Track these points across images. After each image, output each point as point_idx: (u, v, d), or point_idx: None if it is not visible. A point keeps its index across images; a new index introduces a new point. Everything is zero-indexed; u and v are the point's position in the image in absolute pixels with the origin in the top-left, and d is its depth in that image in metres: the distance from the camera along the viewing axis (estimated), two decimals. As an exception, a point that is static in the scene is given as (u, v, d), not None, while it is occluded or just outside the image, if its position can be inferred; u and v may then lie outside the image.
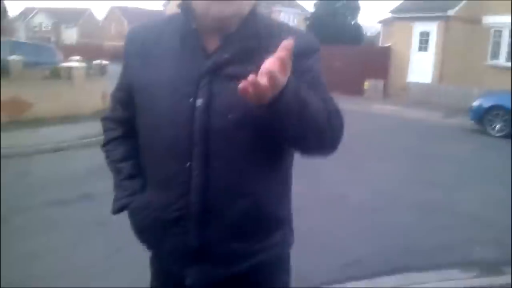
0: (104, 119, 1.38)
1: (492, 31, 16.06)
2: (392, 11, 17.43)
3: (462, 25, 15.87)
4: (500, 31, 15.89)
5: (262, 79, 0.87)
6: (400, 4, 17.65)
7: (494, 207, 5.22)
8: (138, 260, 3.46)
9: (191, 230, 1.15)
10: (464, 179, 6.43)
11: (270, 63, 0.88)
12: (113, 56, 32.42)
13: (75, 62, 11.14)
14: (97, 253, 3.65)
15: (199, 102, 1.10)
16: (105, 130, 1.37)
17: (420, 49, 16.32)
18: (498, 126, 10.00)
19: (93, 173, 5.86)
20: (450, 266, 3.68)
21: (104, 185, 5.60)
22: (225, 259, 1.18)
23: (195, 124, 1.10)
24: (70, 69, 10.13)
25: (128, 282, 3.12)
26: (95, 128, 8.38)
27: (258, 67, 0.91)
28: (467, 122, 10.84)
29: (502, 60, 15.81)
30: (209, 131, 1.10)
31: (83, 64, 10.94)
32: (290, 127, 1.01)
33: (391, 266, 3.55)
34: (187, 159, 1.11)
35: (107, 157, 1.33)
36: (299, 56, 1.06)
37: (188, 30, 1.15)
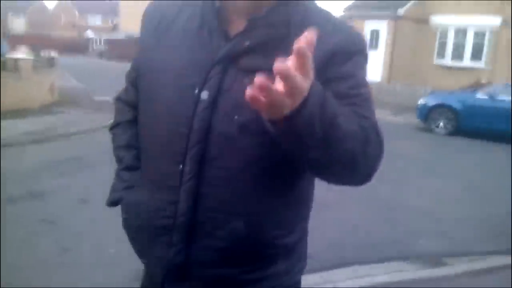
0: (117, 100, 1.24)
1: (438, 30, 16.73)
2: (345, 9, 17.82)
3: (411, 24, 16.44)
4: (446, 31, 16.56)
5: (277, 84, 0.64)
6: (352, 3, 18.07)
7: (439, 201, 5.48)
8: (86, 260, 3.46)
9: (176, 244, 0.99)
10: (410, 175, 6.70)
11: (286, 62, 0.64)
12: (62, 47, 31.34)
13: (22, 54, 10.71)
14: (45, 252, 3.56)
15: (204, 95, 0.93)
16: (116, 112, 1.24)
17: (371, 47, 16.79)
18: (441, 124, 10.47)
19: (42, 170, 5.69)
20: (397, 259, 3.85)
21: (52, 182, 5.48)
22: (210, 283, 1.02)
23: (195, 121, 0.93)
24: (16, 60, 9.72)
25: (75, 281, 3.08)
26: (43, 123, 8.14)
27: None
28: (414, 120, 11.28)
29: (447, 60, 16.52)
30: (209, 132, 0.93)
31: (31, 56, 10.54)
32: (311, 152, 0.78)
33: (341, 260, 3.68)
34: (180, 161, 0.95)
35: (113, 141, 1.20)
36: (336, 56, 0.91)
37: (209, 8, 0.97)
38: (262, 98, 0.64)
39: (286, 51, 0.79)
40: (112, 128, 1.22)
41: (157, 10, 1.07)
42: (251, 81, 0.81)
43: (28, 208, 4.48)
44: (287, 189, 0.99)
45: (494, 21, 15.21)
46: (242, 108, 0.89)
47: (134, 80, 1.13)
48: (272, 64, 0.77)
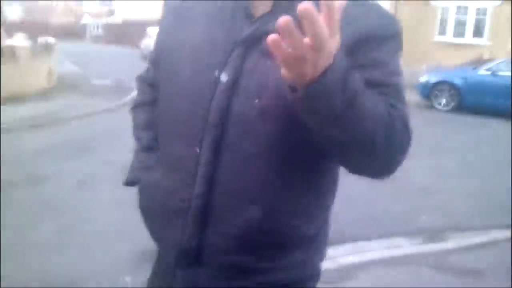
0: (138, 79, 1.22)
1: (439, 8, 16.54)
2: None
3: (411, 3, 16.26)
4: (447, 8, 16.39)
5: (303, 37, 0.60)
6: None
7: (440, 177, 5.48)
8: (87, 241, 3.47)
9: (189, 227, 0.96)
10: (412, 151, 6.62)
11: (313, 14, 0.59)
12: (59, 33, 31.12)
13: (19, 40, 10.63)
14: (45, 234, 3.57)
15: (224, 77, 0.89)
16: (137, 91, 1.23)
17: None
18: (444, 101, 10.40)
19: (41, 155, 5.69)
20: (398, 234, 3.85)
21: (52, 166, 5.49)
22: (223, 270, 0.98)
23: (213, 103, 0.89)
24: (13, 47, 9.65)
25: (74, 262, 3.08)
26: (41, 108, 8.12)
27: None
28: (416, 97, 11.22)
29: (449, 36, 16.36)
30: (228, 115, 0.89)
31: (28, 42, 10.45)
32: (329, 128, 0.75)
33: (341, 235, 3.68)
34: (196, 144, 0.92)
35: (132, 120, 1.19)
36: (368, 41, 0.86)
37: None
38: (284, 45, 0.60)
39: None
40: (133, 107, 1.21)
41: None
42: (273, 64, 0.79)
43: (28, 192, 4.49)
44: (307, 177, 0.95)
45: (496, -3, 15.03)
46: (264, 92, 0.87)
47: (155, 60, 1.10)
48: None
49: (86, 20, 45.10)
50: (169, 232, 1.00)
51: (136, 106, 1.20)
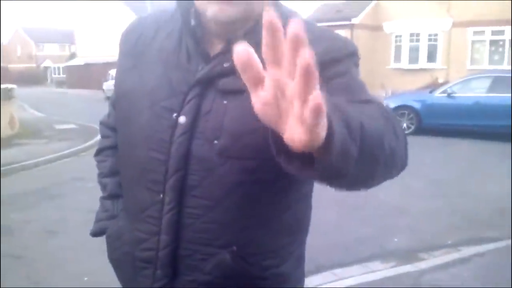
0: (100, 124, 1.20)
1: (393, 36, 17.24)
2: (302, 22, 18.18)
3: (366, 32, 16.91)
4: (400, 36, 17.09)
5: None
6: (310, 15, 18.45)
7: (409, 198, 5.59)
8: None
9: (160, 278, 0.93)
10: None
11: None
12: (20, 79, 30.61)
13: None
14: (21, 285, 3.43)
15: (182, 119, 0.87)
16: (100, 137, 1.21)
17: (330, 56, 17.11)
18: (404, 125, 10.73)
19: (5, 205, 5.49)
20: (373, 258, 3.89)
21: (17, 216, 5.29)
22: None
23: (173, 148, 0.88)
24: (-28, 95, 9.44)
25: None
26: (4, 157, 7.88)
27: None
28: (378, 122, 11.51)
29: (404, 63, 17.01)
30: (189, 159, 0.87)
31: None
32: (352, 172, 0.63)
33: (316, 265, 3.69)
34: (160, 191, 0.90)
35: (97, 167, 1.17)
36: (329, 62, 0.85)
37: (186, 28, 0.92)
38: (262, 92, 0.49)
39: None
40: (97, 154, 1.19)
41: (134, 29, 1.02)
42: (229, 103, 0.83)
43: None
44: (276, 215, 0.92)
45: (445, 23, 15.80)
46: (222, 132, 0.85)
47: (115, 103, 1.09)
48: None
49: (47, 64, 44.58)
50: (140, 281, 0.98)
51: (100, 152, 1.18)
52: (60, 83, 37.04)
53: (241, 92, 0.80)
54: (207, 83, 0.88)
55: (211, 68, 0.88)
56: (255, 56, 0.49)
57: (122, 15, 29.78)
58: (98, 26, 33.34)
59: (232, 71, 0.83)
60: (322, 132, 0.50)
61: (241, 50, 0.48)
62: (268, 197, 0.90)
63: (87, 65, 31.22)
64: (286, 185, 0.91)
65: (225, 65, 0.87)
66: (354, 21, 16.63)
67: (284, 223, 0.95)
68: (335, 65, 0.87)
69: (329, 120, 0.53)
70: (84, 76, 29.46)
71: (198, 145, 0.87)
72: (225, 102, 0.86)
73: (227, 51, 0.87)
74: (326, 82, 0.80)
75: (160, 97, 0.90)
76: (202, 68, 0.89)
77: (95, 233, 1.13)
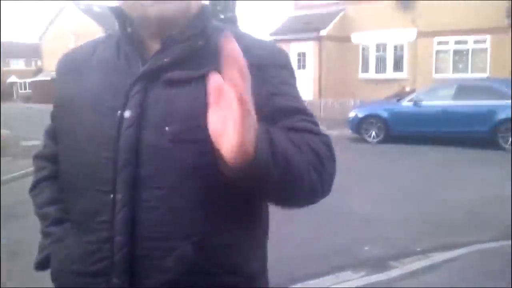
0: (35, 158, 1.14)
1: (360, 47, 17.56)
2: (271, 34, 18.30)
3: (334, 43, 17.18)
4: (367, 47, 17.43)
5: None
6: (277, 28, 18.63)
7: (378, 206, 5.64)
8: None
9: (117, 286, 0.86)
10: (349, 184, 6.86)
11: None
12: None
13: None
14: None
15: (128, 113, 0.86)
16: (34, 171, 1.13)
17: (299, 67, 17.28)
18: (373, 133, 10.92)
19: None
20: (344, 268, 3.89)
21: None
22: None
23: (121, 142, 0.86)
24: None
25: None
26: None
27: (208, 71, 0.70)
28: (347, 132, 11.65)
29: (372, 73, 17.33)
30: (138, 150, 0.85)
31: None
32: (264, 188, 0.80)
33: (290, 276, 3.66)
34: (110, 190, 0.86)
35: (34, 202, 1.08)
36: (262, 71, 0.88)
37: (122, 35, 0.94)
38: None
39: (207, 59, 0.84)
40: (32, 189, 1.11)
41: (70, 55, 1.05)
42: (177, 90, 0.85)
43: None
44: (235, 206, 0.88)
45: (410, 33, 16.20)
46: (173, 117, 0.84)
47: (52, 132, 1.06)
48: (195, 74, 0.82)
49: (12, 79, 43.56)
50: None
51: (36, 185, 1.10)
52: (26, 99, 36.19)
53: (187, 81, 0.86)
54: (150, 78, 0.89)
55: (151, 64, 0.89)
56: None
57: (90, 29, 29.45)
58: (64, 40, 32.84)
59: (173, 64, 0.88)
60: (250, 144, 0.69)
61: (215, 82, 0.67)
62: (225, 187, 0.82)
63: (53, 80, 30.65)
64: None
65: (166, 60, 0.89)
66: (322, 32, 16.87)
67: (244, 215, 0.92)
68: (274, 75, 0.92)
69: (258, 140, 0.70)
70: (50, 91, 28.89)
71: (148, 135, 0.85)
72: (173, 91, 0.86)
73: (164, 49, 0.90)
74: (262, 84, 0.87)
75: (102, 100, 0.90)
76: (142, 67, 0.90)
77: (40, 263, 1.03)
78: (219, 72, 0.68)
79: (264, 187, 0.78)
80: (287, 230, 4.78)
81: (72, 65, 1.00)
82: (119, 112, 0.87)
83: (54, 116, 1.05)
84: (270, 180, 0.75)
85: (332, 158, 0.88)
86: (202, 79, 0.80)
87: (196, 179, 0.84)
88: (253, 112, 0.67)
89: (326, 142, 0.88)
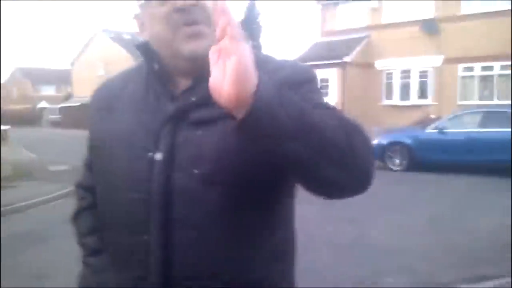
0: (76, 187, 1.19)
1: (384, 73, 17.53)
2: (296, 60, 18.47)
3: (358, 70, 17.20)
4: (391, 73, 17.38)
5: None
6: (300, 56, 18.80)
7: (401, 236, 5.53)
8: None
9: None
10: (372, 213, 6.78)
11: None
12: (15, 120, 30.66)
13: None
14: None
15: (159, 156, 0.89)
16: (77, 200, 1.19)
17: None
18: (397, 161, 10.78)
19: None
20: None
21: (6, 260, 5.17)
22: None
23: (153, 185, 0.89)
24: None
25: None
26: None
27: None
28: (372, 159, 11.53)
29: (396, 100, 17.23)
30: (170, 193, 0.88)
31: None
32: (288, 145, 0.73)
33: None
34: (143, 231, 0.89)
35: (76, 230, 1.15)
36: (292, 86, 0.86)
37: (150, 73, 0.96)
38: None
39: None
40: (74, 217, 1.17)
41: (104, 88, 1.07)
42: (203, 132, 0.87)
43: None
44: (263, 240, 0.92)
45: (435, 59, 16.12)
46: (201, 160, 0.87)
47: (90, 163, 1.10)
48: (219, 112, 0.79)
49: (43, 105, 44.85)
50: None
51: (77, 215, 1.16)
52: (55, 124, 37.16)
53: (213, 121, 0.87)
54: (177, 118, 0.91)
55: (179, 104, 0.91)
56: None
57: (119, 56, 30.23)
58: (94, 67, 33.77)
59: (201, 104, 0.89)
60: (246, 93, 0.68)
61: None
62: (254, 222, 0.90)
63: (83, 106, 31.45)
64: (268, 207, 0.92)
65: (193, 99, 0.91)
66: (346, 59, 16.94)
67: (271, 247, 0.95)
68: (296, 90, 0.89)
69: (258, 90, 0.69)
70: (79, 116, 29.58)
71: (178, 178, 0.88)
72: (199, 132, 0.88)
73: (193, 87, 0.91)
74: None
75: (135, 140, 0.93)
76: (171, 106, 0.92)
77: None
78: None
79: (286, 148, 0.72)
80: (307, 259, 4.75)
81: (104, 102, 1.03)
82: (150, 154, 0.90)
83: (89, 152, 1.09)
84: (285, 134, 0.71)
85: (363, 134, 0.82)
86: (228, 118, 0.81)
87: (225, 220, 0.88)
88: (250, 63, 0.69)
89: (355, 123, 0.83)
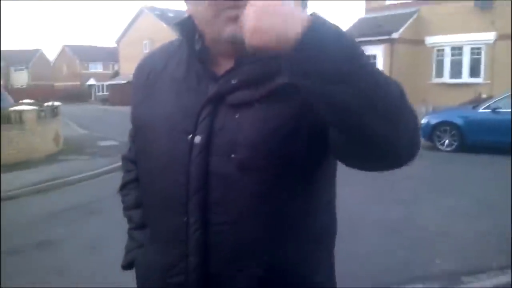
0: (123, 159, 1.22)
1: (435, 50, 16.90)
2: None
3: (407, 46, 16.66)
4: (442, 50, 16.74)
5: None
6: (349, 29, 18.36)
7: (451, 219, 5.39)
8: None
9: None
10: (421, 195, 6.63)
11: None
12: (66, 97, 31.79)
13: (26, 106, 10.88)
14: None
15: (198, 139, 0.89)
16: (123, 171, 1.21)
17: (369, 72, 16.93)
18: (447, 141, 10.43)
19: (48, 220, 5.68)
20: (415, 281, 3.76)
21: (60, 231, 5.45)
22: None
23: (192, 168, 0.89)
24: (20, 112, 9.87)
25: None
26: (48, 173, 8.18)
27: (270, 92, 0.80)
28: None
29: (446, 78, 16.62)
30: (208, 176, 0.89)
31: (34, 107, 10.70)
32: (340, 91, 0.68)
33: None
34: (183, 212, 0.91)
35: (122, 202, 1.19)
36: None
37: (192, 53, 0.95)
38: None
39: (272, 82, 0.84)
40: (121, 189, 1.20)
41: (146, 64, 1.08)
42: (241, 115, 0.86)
43: (35, 258, 4.45)
44: (301, 223, 0.92)
45: (488, 36, 15.37)
46: (238, 145, 0.87)
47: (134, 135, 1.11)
48: (258, 95, 0.81)
49: (91, 82, 46.23)
50: None
51: (124, 187, 1.19)
52: (103, 101, 38.28)
53: (251, 104, 0.87)
54: (217, 101, 0.90)
55: (220, 86, 0.91)
56: None
57: (164, 34, 30.59)
58: (139, 45, 34.33)
59: (240, 87, 0.89)
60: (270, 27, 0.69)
61: None
62: (290, 205, 0.90)
63: (129, 83, 32.16)
64: (306, 192, 0.92)
65: (233, 81, 0.90)
66: (395, 35, 16.43)
67: (309, 231, 0.95)
68: None
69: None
70: (126, 93, 30.32)
71: (216, 162, 0.88)
72: (237, 116, 0.88)
73: (234, 69, 0.91)
74: None
75: (175, 122, 0.93)
76: (212, 87, 0.91)
77: (126, 265, 1.13)
78: (283, 91, 0.80)
79: (334, 90, 0.68)
80: (355, 241, 4.72)
81: (145, 81, 1.04)
82: (189, 136, 0.90)
83: (132, 126, 1.10)
84: (335, 73, 0.67)
85: (409, 103, 0.79)
86: (265, 99, 0.83)
87: (261, 205, 0.89)
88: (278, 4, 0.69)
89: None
